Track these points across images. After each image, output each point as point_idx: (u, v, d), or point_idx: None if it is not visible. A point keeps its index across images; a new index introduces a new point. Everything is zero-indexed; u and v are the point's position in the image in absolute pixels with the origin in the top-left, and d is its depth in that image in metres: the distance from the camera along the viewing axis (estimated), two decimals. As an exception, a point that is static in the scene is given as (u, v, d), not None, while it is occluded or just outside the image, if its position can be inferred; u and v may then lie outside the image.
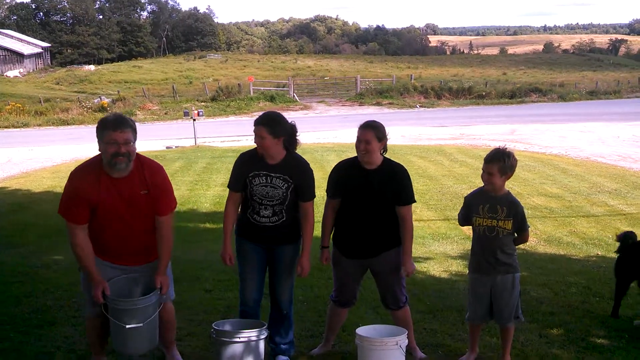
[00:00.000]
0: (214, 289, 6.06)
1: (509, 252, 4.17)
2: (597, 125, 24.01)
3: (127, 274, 3.77)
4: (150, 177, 3.68)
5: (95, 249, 3.69)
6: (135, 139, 3.61)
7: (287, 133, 4.05)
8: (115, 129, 3.51)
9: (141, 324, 3.54)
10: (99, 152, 3.62)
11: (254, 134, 4.01)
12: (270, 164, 4.03)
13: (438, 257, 7.73)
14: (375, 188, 4.09)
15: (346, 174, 4.21)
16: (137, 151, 3.66)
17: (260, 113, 4.33)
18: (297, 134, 4.15)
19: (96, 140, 3.65)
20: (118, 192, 3.61)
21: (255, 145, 4.07)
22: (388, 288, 4.30)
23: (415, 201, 4.24)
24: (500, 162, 4.07)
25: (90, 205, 3.58)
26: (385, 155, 4.20)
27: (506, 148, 4.17)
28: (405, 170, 4.22)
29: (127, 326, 3.52)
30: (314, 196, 4.18)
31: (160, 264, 3.77)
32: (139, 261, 3.79)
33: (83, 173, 3.65)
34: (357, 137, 4.10)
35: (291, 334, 4.37)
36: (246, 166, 4.08)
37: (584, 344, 4.71)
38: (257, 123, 4.00)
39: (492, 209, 4.12)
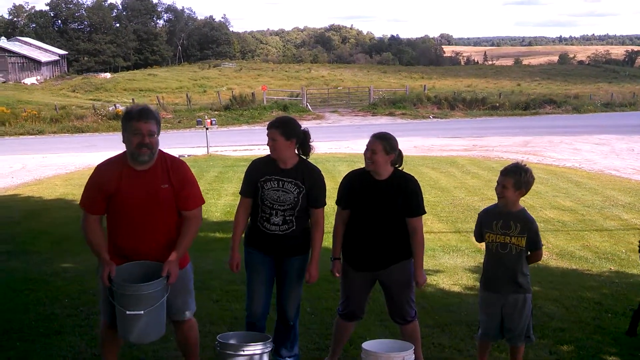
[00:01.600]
0: (221, 299, 6.03)
1: (521, 271, 4.09)
2: (612, 137, 23.81)
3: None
4: (173, 171, 3.68)
5: (113, 251, 3.66)
6: (159, 132, 3.64)
7: (299, 136, 4.06)
8: (139, 119, 3.54)
9: (141, 312, 3.46)
10: (125, 145, 3.64)
11: (267, 137, 4.04)
12: (282, 169, 4.04)
13: (448, 270, 7.66)
14: (384, 199, 4.06)
15: (356, 184, 4.18)
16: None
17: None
18: (311, 140, 4.16)
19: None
20: (138, 183, 3.61)
21: (268, 153, 4.09)
22: (397, 302, 4.25)
23: (425, 212, 4.20)
24: (516, 176, 4.01)
25: (107, 196, 3.60)
26: (397, 167, 4.17)
27: (525, 164, 4.12)
28: (416, 181, 4.18)
29: (127, 312, 3.46)
30: (325, 203, 4.17)
31: (174, 251, 3.65)
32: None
33: (106, 164, 3.71)
34: (366, 145, 4.10)
35: (297, 347, 4.34)
36: (258, 171, 4.09)
37: (595, 362, 4.63)
38: (270, 126, 4.06)
39: (506, 225, 4.06)
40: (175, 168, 3.71)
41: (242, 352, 3.66)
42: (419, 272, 4.15)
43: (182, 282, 3.79)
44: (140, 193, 3.61)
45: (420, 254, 4.16)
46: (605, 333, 5.30)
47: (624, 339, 5.15)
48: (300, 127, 4.12)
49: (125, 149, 3.66)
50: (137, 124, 3.54)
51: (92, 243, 3.63)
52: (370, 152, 4.05)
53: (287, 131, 4.00)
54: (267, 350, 3.73)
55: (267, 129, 4.05)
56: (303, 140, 4.10)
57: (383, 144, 4.04)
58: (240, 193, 4.19)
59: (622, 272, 7.80)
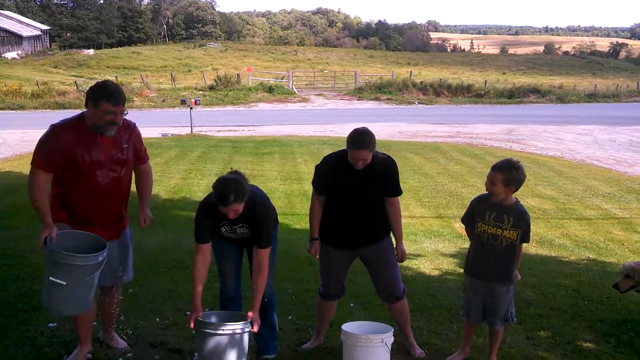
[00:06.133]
0: (202, 279, 6.01)
1: (509, 262, 4.09)
2: (594, 128, 24.04)
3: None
4: (128, 130, 3.86)
5: (71, 218, 3.75)
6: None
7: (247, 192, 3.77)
8: (116, 104, 3.62)
9: (63, 283, 3.39)
10: (84, 112, 3.73)
11: (230, 211, 3.68)
12: (232, 219, 3.83)
13: (429, 255, 7.71)
14: (365, 182, 4.07)
15: (335, 169, 4.14)
16: None
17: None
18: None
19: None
20: (102, 146, 3.71)
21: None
22: (384, 278, 4.24)
23: (402, 193, 4.25)
24: (506, 172, 3.93)
25: (66, 156, 3.62)
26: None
27: (518, 161, 4.03)
28: (395, 162, 4.20)
29: (50, 278, 3.39)
30: (270, 244, 3.89)
31: (143, 200, 4.10)
32: (114, 232, 3.88)
33: (66, 126, 3.70)
34: (353, 156, 3.97)
35: (275, 322, 4.27)
36: (213, 218, 3.86)
37: (571, 347, 4.70)
38: (230, 202, 3.64)
39: (499, 217, 4.02)
40: (129, 127, 3.88)
41: (221, 331, 3.65)
42: (400, 243, 4.20)
43: (125, 245, 3.97)
44: (105, 154, 3.71)
45: (399, 227, 4.24)
46: (582, 320, 5.38)
47: (599, 325, 5.23)
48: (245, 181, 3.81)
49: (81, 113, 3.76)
50: (114, 107, 3.62)
51: (41, 203, 3.64)
52: (362, 161, 3.97)
53: (243, 197, 3.71)
54: (247, 329, 3.72)
55: (227, 204, 3.64)
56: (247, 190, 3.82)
57: (369, 149, 3.97)
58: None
59: (600, 261, 7.92)
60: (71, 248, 3.54)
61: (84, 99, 3.73)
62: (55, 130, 3.67)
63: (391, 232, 4.29)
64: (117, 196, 3.84)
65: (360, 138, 3.98)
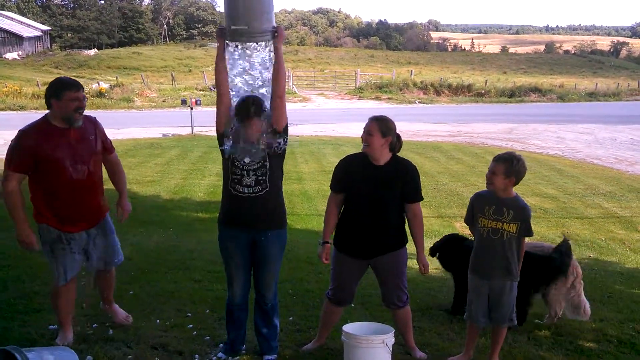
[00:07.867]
0: (203, 279, 6.01)
1: (511, 257, 4.08)
2: (595, 127, 24.02)
3: (84, 248, 4.12)
4: (92, 123, 4.12)
5: (56, 217, 3.98)
6: None
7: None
8: (77, 90, 3.93)
9: None
10: (47, 114, 3.94)
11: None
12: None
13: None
14: (382, 184, 3.99)
15: (353, 169, 4.09)
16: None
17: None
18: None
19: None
20: (72, 141, 3.94)
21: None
22: (392, 287, 4.20)
23: (423, 199, 4.16)
24: (507, 163, 3.99)
25: (36, 155, 3.84)
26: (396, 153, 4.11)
27: (519, 154, 4.10)
28: (415, 167, 4.14)
29: None
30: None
31: (120, 192, 4.39)
32: (95, 220, 4.16)
33: (32, 128, 3.92)
34: (363, 128, 4.05)
35: (277, 323, 4.23)
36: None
37: (572, 347, 4.69)
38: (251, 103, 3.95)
39: (498, 210, 4.04)
40: (92, 120, 4.13)
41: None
42: (422, 256, 4.15)
43: (108, 231, 4.25)
44: (75, 148, 3.94)
45: (421, 239, 4.14)
46: (582, 320, 5.35)
47: (600, 325, 5.21)
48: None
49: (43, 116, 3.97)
50: (75, 94, 3.89)
51: (15, 209, 3.92)
52: (366, 133, 3.99)
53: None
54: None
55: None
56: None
57: (379, 125, 3.99)
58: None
59: (601, 260, 7.91)
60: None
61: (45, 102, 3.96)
62: (23, 134, 3.90)
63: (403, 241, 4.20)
64: (92, 188, 4.07)
65: (377, 115, 4.12)
